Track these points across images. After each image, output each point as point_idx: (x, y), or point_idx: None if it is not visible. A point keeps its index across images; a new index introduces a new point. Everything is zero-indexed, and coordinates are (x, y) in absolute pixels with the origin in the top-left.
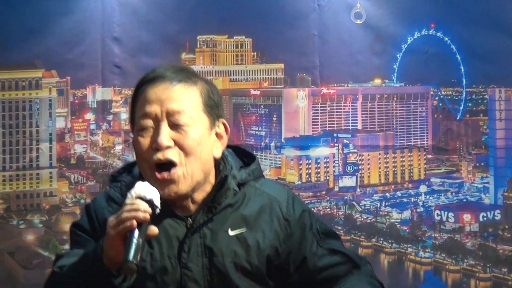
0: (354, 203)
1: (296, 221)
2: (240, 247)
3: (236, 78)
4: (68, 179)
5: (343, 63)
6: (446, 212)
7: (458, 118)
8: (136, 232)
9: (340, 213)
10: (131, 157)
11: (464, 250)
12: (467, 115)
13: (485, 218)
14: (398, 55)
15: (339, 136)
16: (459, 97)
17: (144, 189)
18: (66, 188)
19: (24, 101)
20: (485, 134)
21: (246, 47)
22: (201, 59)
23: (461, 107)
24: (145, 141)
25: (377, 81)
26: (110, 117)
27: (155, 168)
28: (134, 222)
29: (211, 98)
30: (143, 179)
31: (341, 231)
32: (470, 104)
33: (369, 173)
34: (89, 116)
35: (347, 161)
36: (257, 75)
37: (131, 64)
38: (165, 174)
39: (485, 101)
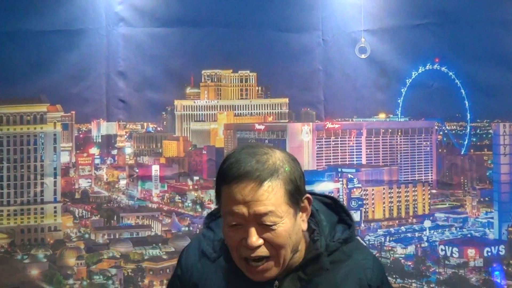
0: (358, 238)
1: None
2: None
3: (240, 113)
4: (72, 214)
5: (347, 98)
6: (450, 247)
7: (462, 152)
8: None
9: None
10: (136, 191)
11: (468, 285)
12: (472, 150)
13: (489, 253)
14: (402, 90)
15: (344, 171)
16: (464, 131)
17: None
18: (71, 222)
19: (29, 136)
20: (489, 169)
21: (251, 81)
22: (206, 93)
23: (466, 142)
24: (235, 236)
25: (382, 116)
26: (114, 152)
27: (246, 260)
28: None
29: (293, 183)
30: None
31: None
32: (474, 139)
33: (373, 208)
34: (94, 150)
35: (352, 196)
36: (262, 109)
37: (135, 99)
38: (259, 267)
39: (490, 135)
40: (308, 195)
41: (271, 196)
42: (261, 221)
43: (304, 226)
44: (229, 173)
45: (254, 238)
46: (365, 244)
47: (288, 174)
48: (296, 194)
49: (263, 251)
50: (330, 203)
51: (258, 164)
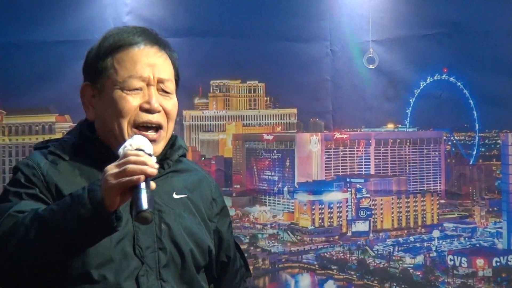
0: (367, 248)
1: (220, 206)
2: (184, 210)
3: (249, 123)
4: None
5: (356, 108)
6: (459, 257)
7: (471, 163)
8: (143, 184)
9: (353, 258)
10: None
11: None
12: (480, 160)
13: (498, 263)
14: (411, 100)
15: (352, 181)
16: (472, 142)
17: (144, 142)
18: None
19: None
20: (498, 179)
21: (259, 92)
22: (214, 104)
23: (474, 152)
24: (134, 101)
25: (390, 126)
26: None
27: (139, 128)
28: (142, 177)
29: (176, 66)
30: (90, 139)
31: (354, 276)
32: (483, 149)
33: (382, 218)
34: None
35: (360, 206)
36: (270, 120)
37: None
38: (154, 135)
39: (498, 146)
40: None
41: (168, 65)
42: (162, 87)
43: None
44: (127, 38)
45: (156, 100)
46: None
47: (175, 56)
48: (178, 76)
49: (160, 118)
50: None
51: (156, 35)
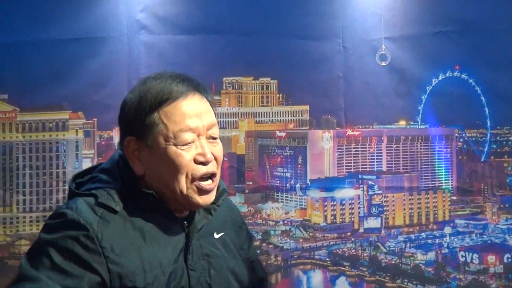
0: (379, 244)
1: (246, 231)
2: (224, 250)
3: (261, 120)
4: None
5: (368, 105)
6: (470, 254)
7: (482, 159)
8: None
9: (365, 254)
10: None
11: None
12: (492, 157)
13: (509, 260)
14: (423, 97)
15: (364, 178)
16: (484, 138)
17: None
18: None
19: (51, 143)
20: (509, 176)
21: (272, 89)
22: (227, 100)
23: (486, 149)
24: (188, 155)
25: (402, 123)
26: None
27: (198, 179)
28: None
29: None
30: (142, 193)
31: (366, 272)
32: (494, 146)
33: (394, 214)
34: None
35: (372, 203)
36: (283, 116)
37: None
38: (211, 185)
39: (510, 142)
40: None
41: (211, 110)
42: (211, 134)
43: None
44: (170, 89)
45: (208, 150)
46: None
47: (211, 96)
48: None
49: (213, 167)
50: None
51: (193, 79)
